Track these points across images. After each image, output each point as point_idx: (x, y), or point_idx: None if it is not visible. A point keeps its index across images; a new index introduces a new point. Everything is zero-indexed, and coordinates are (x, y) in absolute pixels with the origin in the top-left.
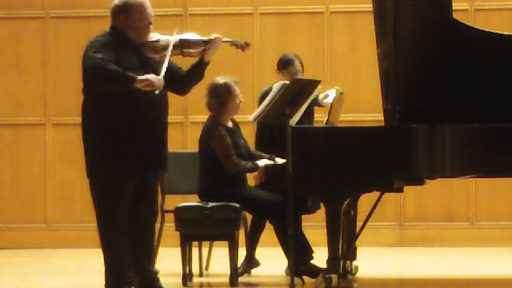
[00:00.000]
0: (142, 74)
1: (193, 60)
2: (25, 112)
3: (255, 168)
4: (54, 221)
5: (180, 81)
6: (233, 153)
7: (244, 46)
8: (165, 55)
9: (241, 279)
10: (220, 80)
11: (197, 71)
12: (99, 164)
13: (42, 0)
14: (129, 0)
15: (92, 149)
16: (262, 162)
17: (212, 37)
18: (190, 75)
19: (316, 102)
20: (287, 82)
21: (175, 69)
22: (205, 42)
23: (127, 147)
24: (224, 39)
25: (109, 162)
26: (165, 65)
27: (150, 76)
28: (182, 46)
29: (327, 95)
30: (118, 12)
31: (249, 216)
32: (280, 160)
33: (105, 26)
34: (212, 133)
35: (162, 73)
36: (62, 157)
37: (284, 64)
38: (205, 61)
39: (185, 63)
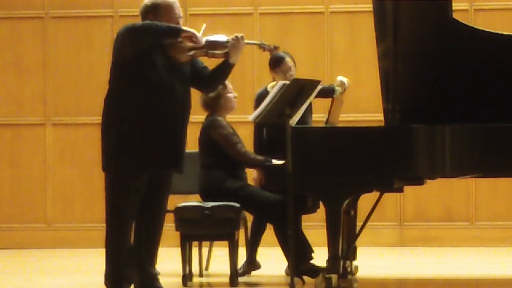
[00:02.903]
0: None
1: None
2: (25, 112)
3: (268, 161)
4: (54, 221)
5: (205, 80)
6: (237, 142)
7: (272, 50)
8: (191, 56)
9: (241, 279)
10: None
11: (222, 72)
12: (111, 159)
13: (42, 0)
14: (158, 0)
15: (107, 143)
16: (276, 161)
17: (230, 39)
18: (215, 75)
19: (329, 93)
20: (287, 82)
21: (200, 68)
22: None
23: (140, 143)
24: (249, 41)
25: (120, 157)
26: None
27: (194, 31)
28: (207, 47)
29: (342, 81)
30: (147, 12)
31: (249, 216)
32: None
33: (105, 26)
34: (213, 124)
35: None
36: (62, 157)
37: (276, 63)
38: (230, 62)
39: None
